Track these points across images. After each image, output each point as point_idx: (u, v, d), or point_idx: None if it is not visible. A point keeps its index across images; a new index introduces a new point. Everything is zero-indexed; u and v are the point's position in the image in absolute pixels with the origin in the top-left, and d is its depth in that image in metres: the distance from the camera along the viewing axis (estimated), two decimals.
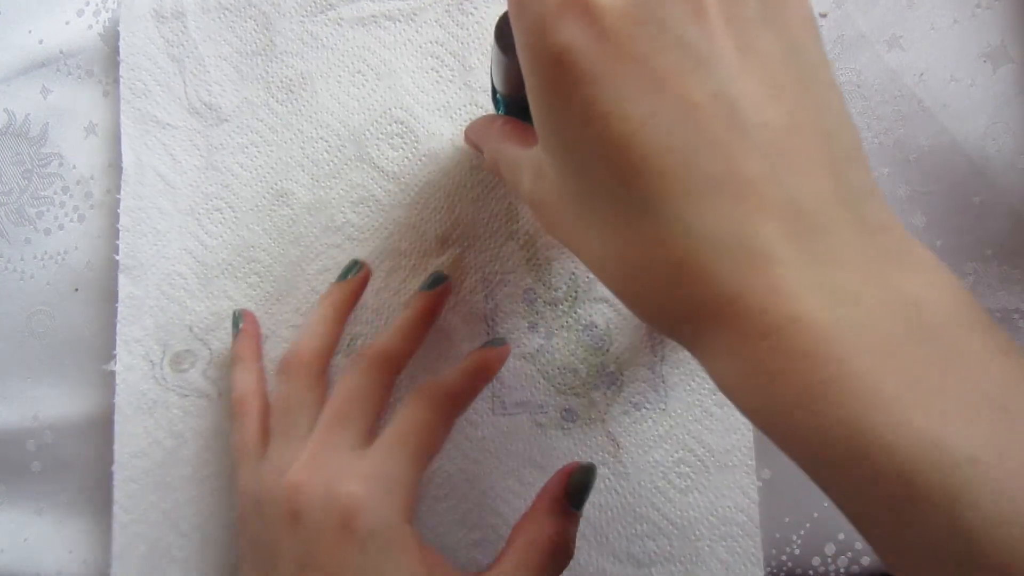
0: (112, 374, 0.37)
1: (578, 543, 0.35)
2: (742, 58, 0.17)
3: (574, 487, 0.31)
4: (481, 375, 0.33)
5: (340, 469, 0.28)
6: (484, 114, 0.35)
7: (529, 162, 0.22)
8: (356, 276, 0.35)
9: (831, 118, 0.18)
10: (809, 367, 0.16)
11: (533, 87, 0.19)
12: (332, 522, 0.27)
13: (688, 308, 0.18)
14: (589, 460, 0.33)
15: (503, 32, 0.25)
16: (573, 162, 0.19)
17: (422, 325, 0.33)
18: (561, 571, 0.30)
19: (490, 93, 0.33)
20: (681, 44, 0.17)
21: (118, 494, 0.36)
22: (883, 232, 0.17)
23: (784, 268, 0.16)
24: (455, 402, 0.31)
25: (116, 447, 0.36)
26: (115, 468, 0.36)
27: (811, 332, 0.16)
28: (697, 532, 0.35)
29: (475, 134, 0.31)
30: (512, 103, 0.28)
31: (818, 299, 0.16)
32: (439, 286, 0.34)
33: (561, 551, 0.30)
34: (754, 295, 0.16)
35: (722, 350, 0.17)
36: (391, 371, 0.32)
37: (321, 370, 0.33)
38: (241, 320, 0.36)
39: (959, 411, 0.15)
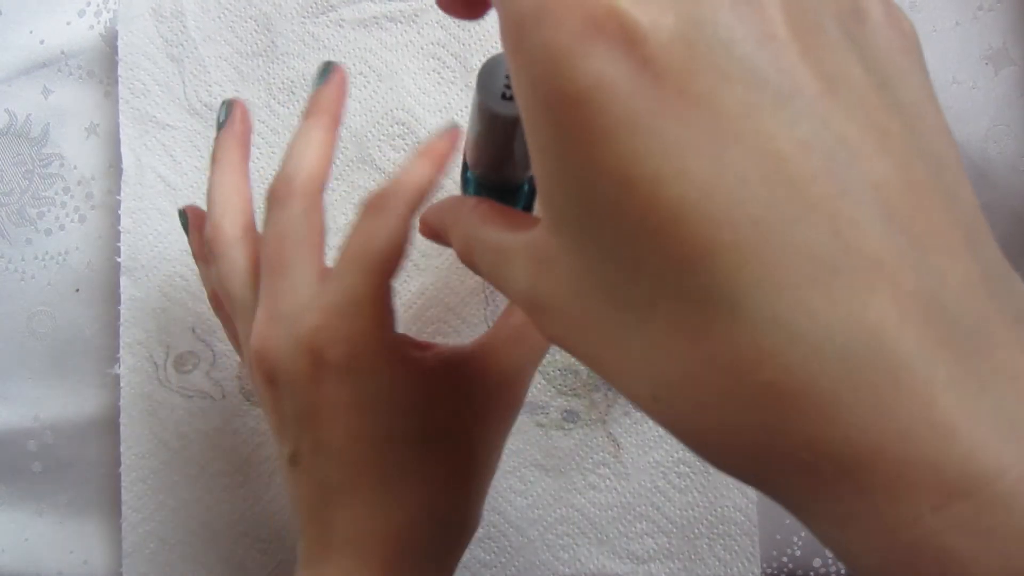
0: (114, 376, 0.37)
1: (579, 541, 0.35)
2: (831, 93, 0.13)
3: None
4: (433, 165, 0.27)
5: (297, 312, 0.25)
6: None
7: (525, 249, 0.17)
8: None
9: (949, 173, 0.13)
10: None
11: (543, 143, 0.14)
12: (305, 365, 0.24)
13: (800, 457, 0.12)
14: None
15: (489, 79, 0.20)
16: (604, 244, 0.14)
17: (324, 131, 0.28)
18: (544, 354, 0.28)
19: (460, 170, 0.27)
20: (754, 76, 0.12)
21: (127, 495, 0.37)
22: None
23: (953, 396, 0.11)
24: (408, 202, 0.26)
25: (122, 449, 0.37)
26: (122, 469, 0.37)
27: (1018, 496, 0.11)
28: (696, 530, 0.35)
29: (439, 218, 0.24)
30: (487, 184, 0.24)
31: (1014, 440, 0.11)
32: (331, 75, 0.29)
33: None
34: (917, 442, 0.11)
35: (860, 519, 0.12)
36: (314, 193, 0.27)
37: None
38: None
39: None
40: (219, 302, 0.30)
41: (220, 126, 0.30)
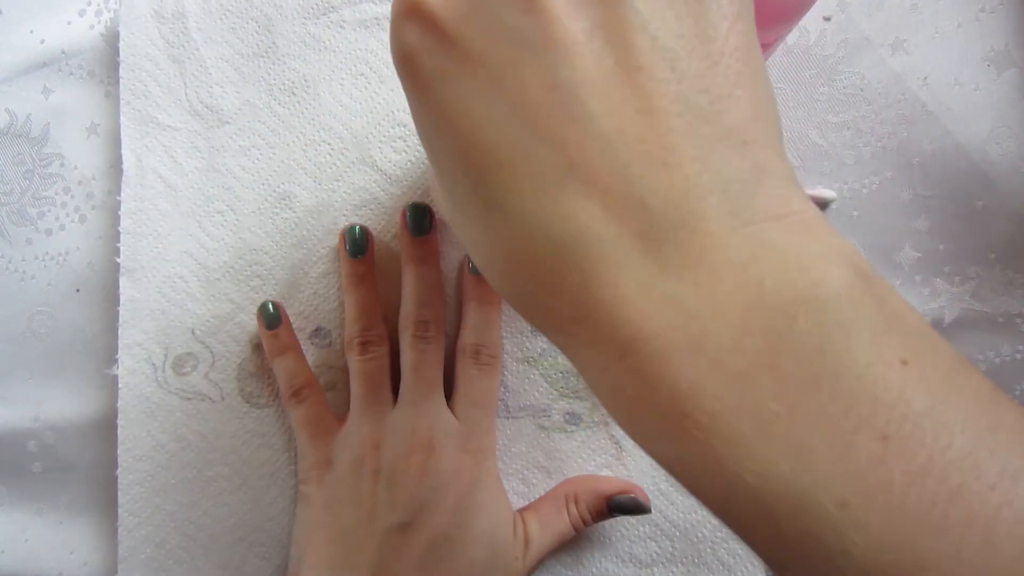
0: (114, 377, 0.37)
1: (582, 544, 0.35)
2: (589, 40, 0.16)
3: (621, 505, 0.34)
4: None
5: (422, 422, 0.33)
6: None
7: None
8: (366, 253, 0.36)
9: (701, 91, 0.16)
10: (666, 398, 0.15)
11: (403, 83, 0.19)
12: (410, 447, 0.32)
13: (551, 315, 0.17)
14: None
15: None
16: (438, 162, 0.18)
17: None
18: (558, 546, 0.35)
19: None
20: (514, 36, 0.16)
21: (123, 498, 0.36)
22: (768, 221, 0.15)
23: (632, 277, 0.15)
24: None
25: (119, 451, 0.36)
26: (119, 472, 0.36)
27: (665, 356, 0.15)
28: (699, 534, 0.35)
29: None
30: None
31: (671, 315, 0.15)
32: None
33: (570, 535, 0.34)
34: (605, 308, 0.15)
35: (588, 364, 0.16)
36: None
37: (384, 340, 0.35)
38: (277, 313, 0.36)
39: (829, 446, 0.14)
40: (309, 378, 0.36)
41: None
